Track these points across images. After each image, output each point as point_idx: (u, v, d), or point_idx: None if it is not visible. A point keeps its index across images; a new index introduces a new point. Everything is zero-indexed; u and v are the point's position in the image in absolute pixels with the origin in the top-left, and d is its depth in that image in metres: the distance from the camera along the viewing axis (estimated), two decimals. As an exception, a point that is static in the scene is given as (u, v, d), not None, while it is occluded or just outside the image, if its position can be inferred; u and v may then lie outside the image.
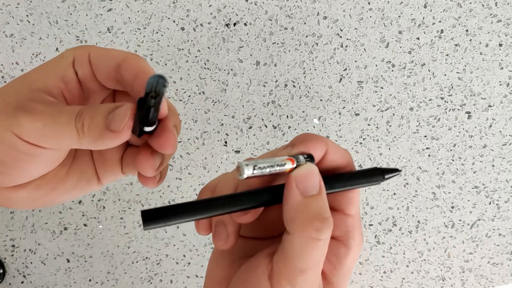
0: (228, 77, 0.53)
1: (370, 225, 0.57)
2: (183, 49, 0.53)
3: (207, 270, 0.26)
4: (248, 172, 0.20)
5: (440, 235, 0.57)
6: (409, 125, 0.54)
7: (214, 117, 0.54)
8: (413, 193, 0.56)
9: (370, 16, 0.52)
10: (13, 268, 0.57)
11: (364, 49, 0.53)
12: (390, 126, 0.54)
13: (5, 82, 0.53)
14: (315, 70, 0.53)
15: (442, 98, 0.54)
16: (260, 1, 0.52)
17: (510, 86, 0.54)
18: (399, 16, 0.52)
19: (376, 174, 0.24)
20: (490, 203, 0.56)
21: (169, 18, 0.52)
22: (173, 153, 0.23)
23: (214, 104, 0.54)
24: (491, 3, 0.52)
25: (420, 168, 0.55)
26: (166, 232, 0.56)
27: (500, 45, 0.53)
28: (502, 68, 0.53)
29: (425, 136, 0.55)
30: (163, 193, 0.55)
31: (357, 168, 0.25)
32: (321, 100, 0.54)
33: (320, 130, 0.55)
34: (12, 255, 0.56)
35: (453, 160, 0.55)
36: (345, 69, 0.53)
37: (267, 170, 0.21)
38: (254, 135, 0.55)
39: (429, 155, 0.55)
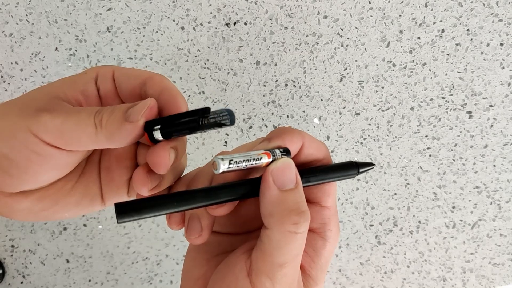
0: (228, 76, 0.53)
1: (370, 225, 0.57)
2: (183, 49, 0.53)
3: (183, 269, 0.26)
4: (223, 167, 0.20)
5: (441, 235, 0.57)
6: (410, 125, 0.54)
7: (214, 117, 0.54)
8: (414, 193, 0.56)
9: (371, 16, 0.52)
10: (13, 268, 0.57)
11: (365, 48, 0.53)
12: (391, 126, 0.54)
13: (4, 82, 0.53)
14: (315, 70, 0.53)
15: (443, 98, 0.54)
16: (260, 0, 0.52)
17: (511, 86, 0.53)
18: (400, 16, 0.52)
19: (351, 168, 0.24)
20: (491, 203, 0.56)
21: (168, 18, 0.52)
22: (165, 173, 0.23)
23: (214, 104, 0.54)
24: (492, 2, 0.52)
25: (421, 168, 0.55)
26: (166, 232, 0.56)
27: (501, 44, 0.52)
28: (503, 68, 0.53)
29: (426, 136, 0.54)
30: (163, 193, 0.55)
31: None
32: (321, 99, 0.54)
33: (320, 130, 0.55)
34: (12, 255, 0.56)
35: (454, 160, 0.55)
36: (346, 69, 0.53)
37: (243, 165, 0.21)
38: (255, 135, 0.54)
39: (430, 155, 0.55)
